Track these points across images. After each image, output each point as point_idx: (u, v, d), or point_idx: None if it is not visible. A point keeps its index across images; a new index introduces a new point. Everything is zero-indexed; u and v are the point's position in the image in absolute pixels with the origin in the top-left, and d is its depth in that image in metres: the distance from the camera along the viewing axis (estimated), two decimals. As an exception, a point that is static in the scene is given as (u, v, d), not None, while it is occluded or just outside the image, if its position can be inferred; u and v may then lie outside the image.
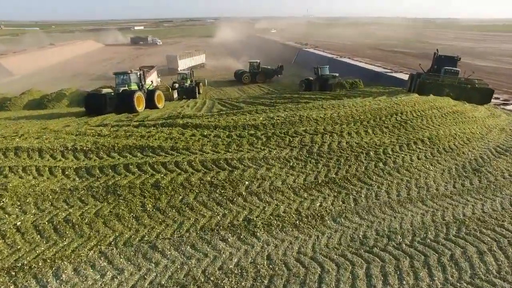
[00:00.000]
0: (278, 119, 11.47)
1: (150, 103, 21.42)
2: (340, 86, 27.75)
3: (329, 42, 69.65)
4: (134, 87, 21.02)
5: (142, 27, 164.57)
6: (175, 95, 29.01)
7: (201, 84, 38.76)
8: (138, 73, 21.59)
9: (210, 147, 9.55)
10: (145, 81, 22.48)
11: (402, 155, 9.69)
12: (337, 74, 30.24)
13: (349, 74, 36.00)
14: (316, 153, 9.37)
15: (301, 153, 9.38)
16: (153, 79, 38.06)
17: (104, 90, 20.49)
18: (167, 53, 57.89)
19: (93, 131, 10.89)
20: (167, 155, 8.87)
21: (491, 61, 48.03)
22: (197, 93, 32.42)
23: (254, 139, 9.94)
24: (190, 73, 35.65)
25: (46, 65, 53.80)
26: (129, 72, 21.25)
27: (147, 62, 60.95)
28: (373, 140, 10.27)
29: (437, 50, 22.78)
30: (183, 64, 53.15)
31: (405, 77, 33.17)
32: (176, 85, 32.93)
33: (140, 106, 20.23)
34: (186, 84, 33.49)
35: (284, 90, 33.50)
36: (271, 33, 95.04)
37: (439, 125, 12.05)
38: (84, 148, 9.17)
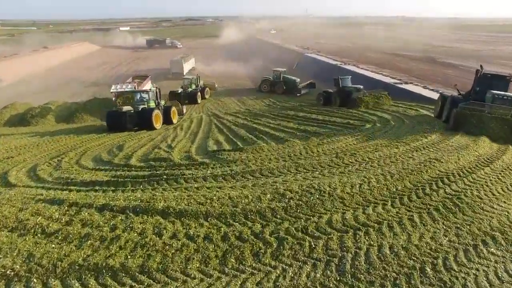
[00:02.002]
0: (292, 199, 8.21)
1: (167, 119, 22.41)
2: (363, 102, 23.98)
3: (330, 43, 65.97)
4: (152, 104, 22.00)
5: (128, 28, 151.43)
6: (184, 110, 28.15)
7: (207, 89, 35.68)
8: (155, 91, 22.90)
9: (198, 265, 6.33)
10: (160, 98, 23.27)
11: (472, 271, 6.51)
12: (361, 87, 26.37)
13: (355, 84, 32.62)
14: (350, 274, 6.19)
15: (328, 273, 6.19)
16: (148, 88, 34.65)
17: (125, 108, 21.26)
18: (170, 57, 54.23)
19: (39, 219, 7.63)
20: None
21: (499, 65, 44.53)
22: (199, 99, 32.65)
23: (260, 245, 6.74)
24: (197, 78, 34.34)
25: (38, 71, 50.02)
26: (148, 90, 22.86)
27: (142, 66, 57.35)
28: (425, 240, 7.06)
29: (481, 66, 16.58)
30: (187, 69, 49.73)
31: (416, 89, 29.84)
32: (180, 90, 32.80)
33: (158, 123, 21.31)
34: (189, 89, 32.95)
35: (290, 103, 29.96)
36: (270, 34, 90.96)
37: (504, 201, 8.82)
38: (8, 273, 5.87)
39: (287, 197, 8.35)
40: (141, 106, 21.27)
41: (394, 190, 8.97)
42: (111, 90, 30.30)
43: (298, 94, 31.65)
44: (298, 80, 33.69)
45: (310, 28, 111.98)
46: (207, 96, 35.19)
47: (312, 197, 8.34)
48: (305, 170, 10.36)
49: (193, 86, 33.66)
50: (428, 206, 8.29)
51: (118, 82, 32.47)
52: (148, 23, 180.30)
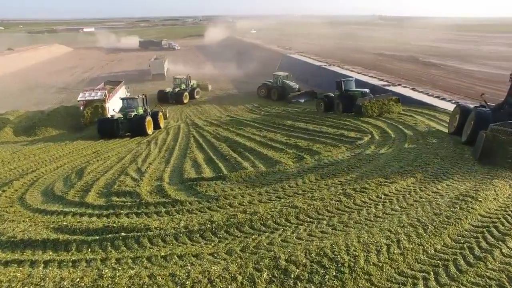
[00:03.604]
0: (299, 279, 5.60)
1: (154, 124, 22.28)
2: (369, 109, 20.26)
3: (312, 43, 63.73)
4: (140, 111, 22.12)
5: (93, 29, 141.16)
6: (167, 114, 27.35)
7: (198, 89, 34.56)
8: (142, 97, 22.86)
9: None
10: (147, 104, 23.29)
11: None
12: (367, 90, 23.17)
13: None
14: None
15: None
16: (121, 95, 31.34)
17: (116, 115, 21.41)
18: (146, 59, 50.67)
19: None
20: None
21: (478, 65, 43.44)
22: (185, 99, 32.36)
23: None
24: (187, 79, 33.32)
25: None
26: (136, 97, 22.81)
27: (117, 69, 53.50)
28: None
29: None
30: (166, 70, 46.36)
31: (404, 91, 27.71)
32: (168, 90, 32.48)
33: (150, 129, 21.41)
34: (176, 89, 32.40)
35: (275, 109, 27.05)
36: (251, 33, 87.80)
37: None
38: None
39: (292, 275, 5.71)
40: (133, 114, 21.40)
41: (433, 252, 6.48)
42: (78, 99, 26.93)
43: (288, 103, 28.78)
44: (297, 87, 30.51)
45: (289, 28, 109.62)
46: (197, 97, 33.94)
47: (327, 275, 5.74)
48: (308, 220, 7.73)
49: (183, 86, 32.62)
50: (488, 280, 5.83)
51: (87, 90, 29.00)
52: (126, 24, 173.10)
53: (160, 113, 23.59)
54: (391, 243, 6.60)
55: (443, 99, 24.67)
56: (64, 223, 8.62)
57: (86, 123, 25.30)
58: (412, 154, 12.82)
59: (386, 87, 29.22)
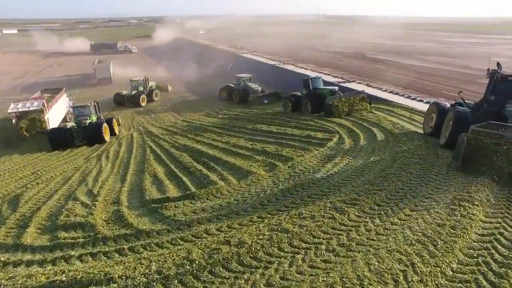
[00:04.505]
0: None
1: (110, 132, 21.75)
2: (339, 109, 19.31)
3: (263, 42, 63.18)
4: (94, 118, 21.42)
5: (15, 31, 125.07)
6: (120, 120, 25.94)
7: (156, 91, 32.75)
8: (94, 104, 22.13)
9: None
10: (100, 111, 22.65)
11: None
12: (336, 88, 22.18)
13: (299, 86, 29.82)
14: None
15: None
16: (63, 105, 28.05)
17: (69, 124, 20.79)
18: (89, 62, 46.46)
19: None
20: None
21: (418, 60, 45.76)
22: (143, 102, 31.08)
23: None
24: (145, 80, 31.74)
25: None
26: (89, 104, 22.01)
27: (58, 74, 48.58)
28: None
29: (498, 64, 11.32)
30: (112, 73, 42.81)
31: (360, 87, 27.89)
32: (124, 92, 31.10)
33: (107, 135, 20.76)
34: (133, 92, 31.04)
35: (232, 111, 25.49)
36: (200, 34, 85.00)
37: None
38: None
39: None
40: (88, 121, 20.76)
41: (451, 273, 5.67)
42: (9, 110, 23.45)
43: (249, 105, 27.42)
44: (259, 89, 29.05)
45: (238, 28, 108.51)
46: (156, 99, 32.36)
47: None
48: (304, 246, 6.58)
49: (140, 88, 31.18)
50: (516, 303, 5.11)
51: (21, 99, 25.39)
52: (61, 24, 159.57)
53: (114, 120, 22.79)
54: (405, 268, 5.68)
55: (397, 93, 25.09)
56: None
57: (23, 137, 22.03)
58: (387, 154, 12.30)
59: (342, 84, 29.25)
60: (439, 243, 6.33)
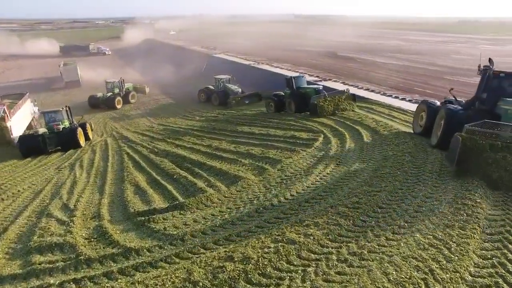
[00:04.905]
0: None
1: (84, 136, 21.17)
2: (324, 108, 18.65)
3: (235, 42, 62.49)
4: (66, 123, 20.96)
5: None
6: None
7: (133, 93, 32.07)
8: (66, 109, 21.51)
9: None
10: (72, 116, 21.96)
11: None
12: (320, 87, 21.57)
13: (276, 86, 29.49)
14: None
15: None
16: (27, 111, 26.15)
17: (41, 130, 20.07)
18: (53, 64, 43.84)
19: None
20: None
21: (386, 57, 46.86)
22: (118, 104, 30.35)
23: None
24: (120, 82, 31.08)
25: None
26: (61, 109, 21.40)
27: (18, 78, 45.52)
28: None
29: (490, 60, 10.66)
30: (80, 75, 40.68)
31: (336, 86, 28.01)
32: (99, 95, 30.44)
33: (82, 140, 20.34)
34: (108, 94, 30.37)
35: (210, 113, 24.45)
36: (170, 35, 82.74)
37: None
38: None
39: None
40: (61, 126, 20.29)
41: (470, 278, 5.41)
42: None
43: (229, 107, 26.64)
44: (239, 90, 27.98)
45: (208, 28, 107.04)
46: (132, 101, 31.60)
47: None
48: (314, 257, 6.11)
49: (116, 90, 30.53)
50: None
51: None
52: (20, 25, 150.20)
53: (88, 124, 22.28)
54: (425, 276, 5.36)
55: (372, 90, 25.44)
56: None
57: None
58: (377, 153, 12.13)
59: (318, 83, 29.24)
60: (452, 246, 6.08)
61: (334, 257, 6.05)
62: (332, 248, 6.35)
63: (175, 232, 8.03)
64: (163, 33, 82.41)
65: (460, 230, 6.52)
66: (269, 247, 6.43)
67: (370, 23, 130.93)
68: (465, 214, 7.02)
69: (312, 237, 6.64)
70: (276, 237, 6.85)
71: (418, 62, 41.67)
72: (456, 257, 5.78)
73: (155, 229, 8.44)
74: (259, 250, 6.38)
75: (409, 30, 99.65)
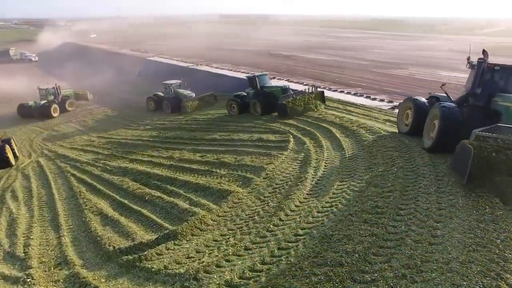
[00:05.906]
0: None
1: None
2: (293, 109, 17.56)
3: (167, 44, 59.28)
4: None
5: None
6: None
7: (70, 101, 29.40)
8: None
9: None
10: None
11: None
12: (287, 86, 20.40)
13: (218, 87, 28.25)
14: None
15: None
16: None
17: None
18: None
19: None
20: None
21: (322, 54, 48.71)
22: (54, 113, 27.85)
23: None
24: (56, 88, 28.72)
25: None
26: None
27: None
28: None
29: (483, 51, 9.59)
30: None
31: (282, 84, 27.93)
32: (31, 103, 27.72)
33: (11, 158, 18.39)
34: (41, 102, 27.75)
35: (160, 121, 22.08)
36: (91, 38, 75.16)
37: None
38: None
39: None
40: None
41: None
42: None
43: (184, 112, 24.44)
44: (193, 95, 25.31)
45: (131, 30, 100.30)
46: (70, 109, 29.09)
47: None
48: (368, 277, 5.34)
49: (51, 97, 28.22)
50: None
51: None
52: None
53: (12, 140, 19.76)
54: (497, 282, 4.98)
55: (318, 86, 25.72)
56: None
57: None
58: (357, 149, 11.95)
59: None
60: (497, 242, 5.87)
61: (390, 275, 5.39)
62: (382, 263, 5.69)
63: (182, 270, 6.64)
64: (82, 36, 74.72)
65: (494, 224, 6.38)
66: (315, 274, 5.52)
67: (301, 21, 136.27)
68: (488, 206, 6.94)
69: (356, 255, 5.90)
70: (313, 260, 5.97)
71: (348, 57, 44.09)
72: (510, 255, 5.55)
73: (153, 269, 6.92)
74: (305, 279, 5.43)
75: (340, 28, 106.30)
